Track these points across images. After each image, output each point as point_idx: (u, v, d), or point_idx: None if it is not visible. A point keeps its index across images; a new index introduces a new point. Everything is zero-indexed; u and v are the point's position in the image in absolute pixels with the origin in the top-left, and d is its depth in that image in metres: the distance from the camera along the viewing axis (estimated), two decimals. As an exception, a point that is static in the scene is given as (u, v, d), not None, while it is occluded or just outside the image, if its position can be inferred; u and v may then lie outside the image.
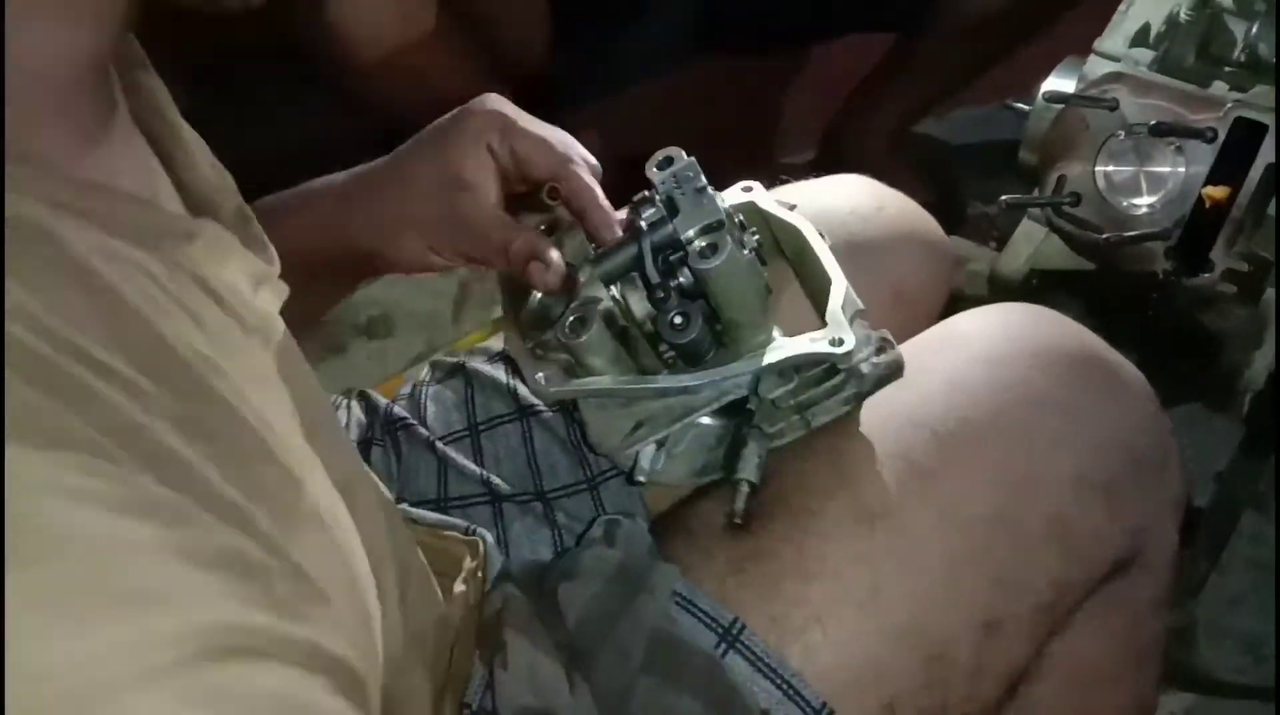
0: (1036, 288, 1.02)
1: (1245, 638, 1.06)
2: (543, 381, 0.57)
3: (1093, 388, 0.62)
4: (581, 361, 0.56)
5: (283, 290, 0.42)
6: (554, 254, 0.58)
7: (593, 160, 0.61)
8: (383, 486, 0.55)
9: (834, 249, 0.61)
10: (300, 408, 0.39)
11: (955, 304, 0.97)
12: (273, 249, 0.44)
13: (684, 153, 0.59)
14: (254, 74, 1.08)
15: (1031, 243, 1.03)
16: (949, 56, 1.29)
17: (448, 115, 0.63)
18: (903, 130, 1.39)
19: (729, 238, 0.54)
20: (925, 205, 0.86)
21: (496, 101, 0.62)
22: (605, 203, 0.60)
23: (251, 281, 0.39)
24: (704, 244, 0.54)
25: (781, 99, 1.52)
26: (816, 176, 0.83)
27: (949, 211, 1.38)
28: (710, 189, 0.57)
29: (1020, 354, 0.62)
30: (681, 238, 0.56)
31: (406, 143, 0.63)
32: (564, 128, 0.63)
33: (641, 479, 0.58)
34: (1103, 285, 0.98)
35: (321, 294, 0.69)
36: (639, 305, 0.59)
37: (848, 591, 0.55)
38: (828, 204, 0.77)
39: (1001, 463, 0.58)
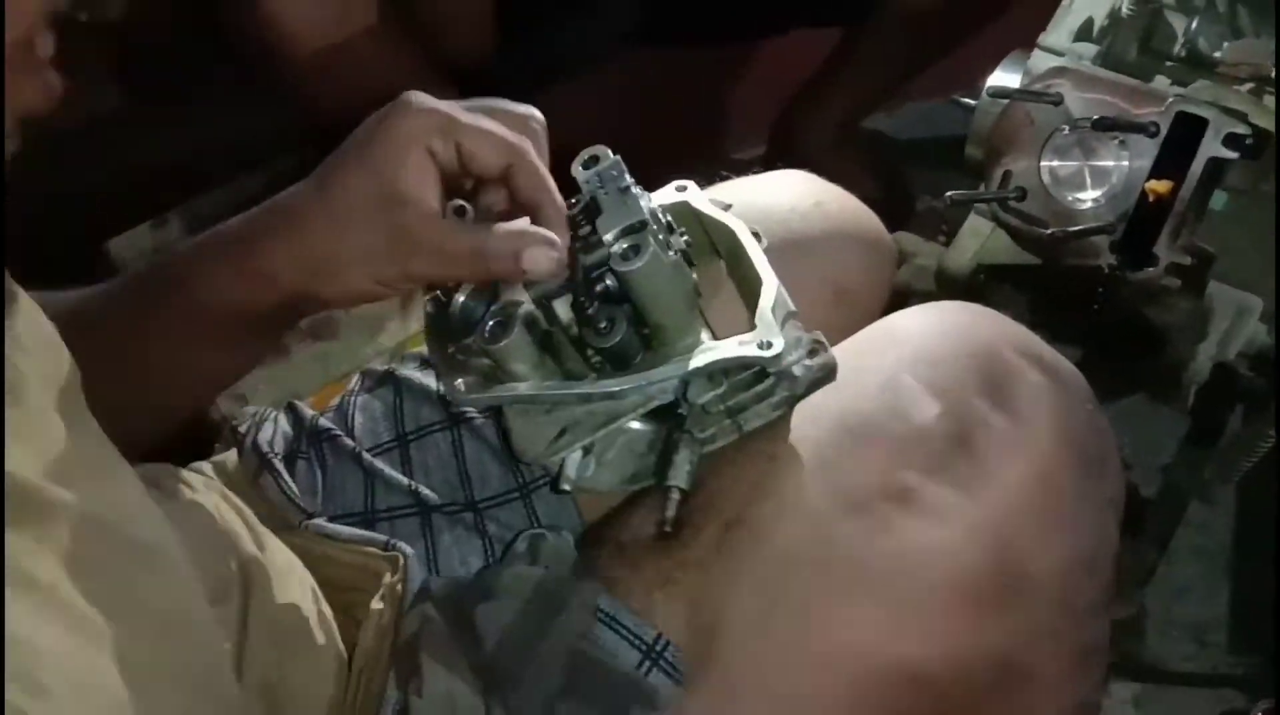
0: (984, 283, 1.01)
1: (1192, 626, 1.07)
2: (460, 388, 0.55)
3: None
4: (503, 367, 0.55)
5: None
6: (545, 231, 0.54)
7: (542, 138, 0.57)
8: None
9: (773, 247, 0.60)
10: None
11: (903, 299, 0.97)
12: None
13: (610, 152, 0.58)
14: (186, 74, 1.06)
15: (979, 238, 1.03)
16: (894, 49, 1.29)
17: (367, 124, 0.57)
18: (850, 125, 1.38)
19: (651, 239, 0.53)
20: (872, 201, 0.85)
21: (423, 99, 0.57)
22: (560, 200, 0.57)
23: None
24: (625, 246, 0.53)
25: (729, 94, 1.52)
26: (758, 173, 0.82)
27: (896, 207, 1.38)
28: (635, 189, 0.56)
29: (957, 354, 0.61)
30: (602, 239, 0.54)
31: (327, 160, 0.57)
32: None
33: (567, 487, 0.56)
34: (1049, 280, 0.97)
35: (254, 346, 0.64)
36: (563, 308, 0.57)
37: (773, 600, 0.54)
38: (767, 202, 0.76)
39: None
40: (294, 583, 0.58)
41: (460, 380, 0.56)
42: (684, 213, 0.63)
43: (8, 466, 0.36)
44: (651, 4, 1.24)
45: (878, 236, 0.80)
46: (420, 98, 0.57)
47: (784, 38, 1.37)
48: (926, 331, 0.63)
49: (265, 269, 0.56)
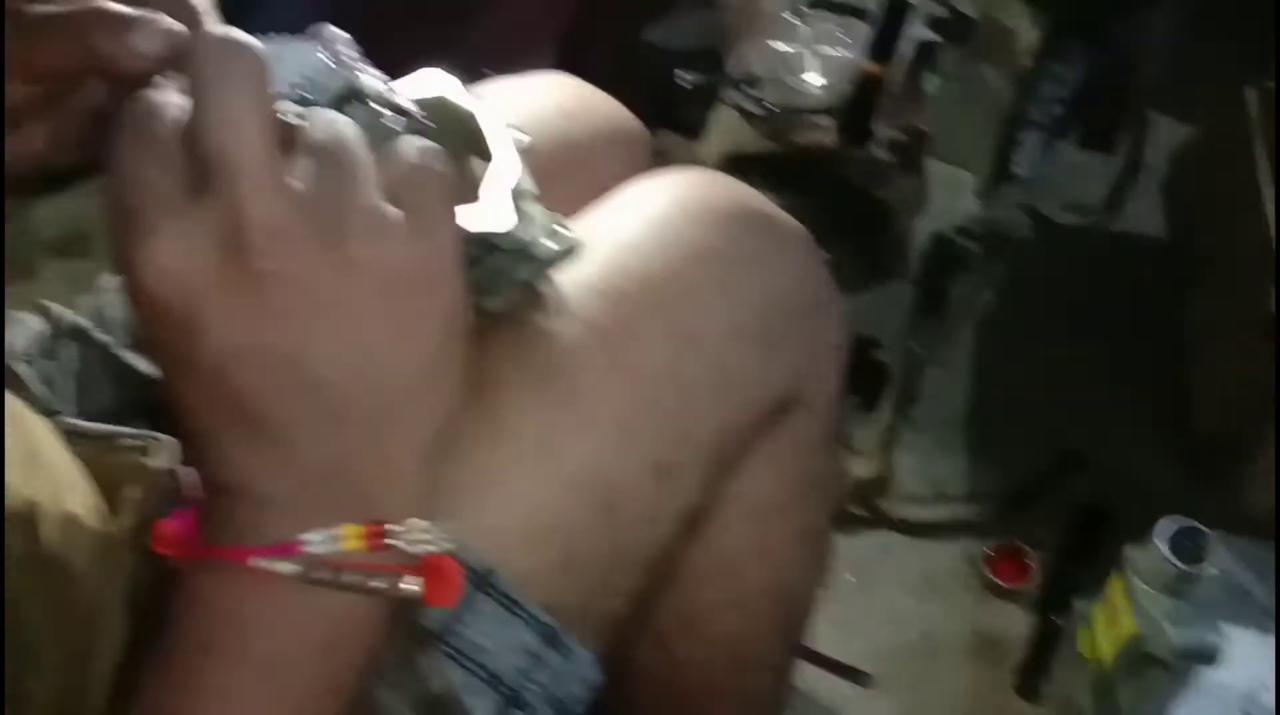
0: (729, 172, 1.07)
1: (932, 480, 1.18)
2: None
3: (754, 241, 0.66)
4: None
5: None
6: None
7: None
8: None
9: (540, 148, 0.59)
10: None
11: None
12: None
13: (332, 26, 0.56)
14: None
15: (727, 130, 1.09)
16: None
17: None
18: (626, 45, 1.41)
19: (366, 108, 0.51)
20: (637, 104, 0.88)
21: None
22: None
23: None
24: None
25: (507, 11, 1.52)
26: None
27: (660, 109, 1.43)
28: (353, 60, 0.50)
29: (685, 213, 0.65)
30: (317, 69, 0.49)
31: None
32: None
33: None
34: (788, 164, 1.04)
35: None
36: None
37: (525, 449, 0.57)
38: (535, 104, 0.76)
39: (666, 317, 0.61)
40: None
41: None
42: (436, 105, 0.61)
43: None
44: None
45: (639, 136, 0.82)
46: None
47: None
48: (656, 195, 0.66)
49: None
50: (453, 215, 0.39)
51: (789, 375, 0.66)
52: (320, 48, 0.51)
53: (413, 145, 0.39)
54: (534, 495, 0.58)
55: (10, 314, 0.71)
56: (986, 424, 1.21)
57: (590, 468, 0.59)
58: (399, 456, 0.40)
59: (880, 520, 1.14)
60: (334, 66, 0.50)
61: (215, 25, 0.37)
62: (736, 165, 1.07)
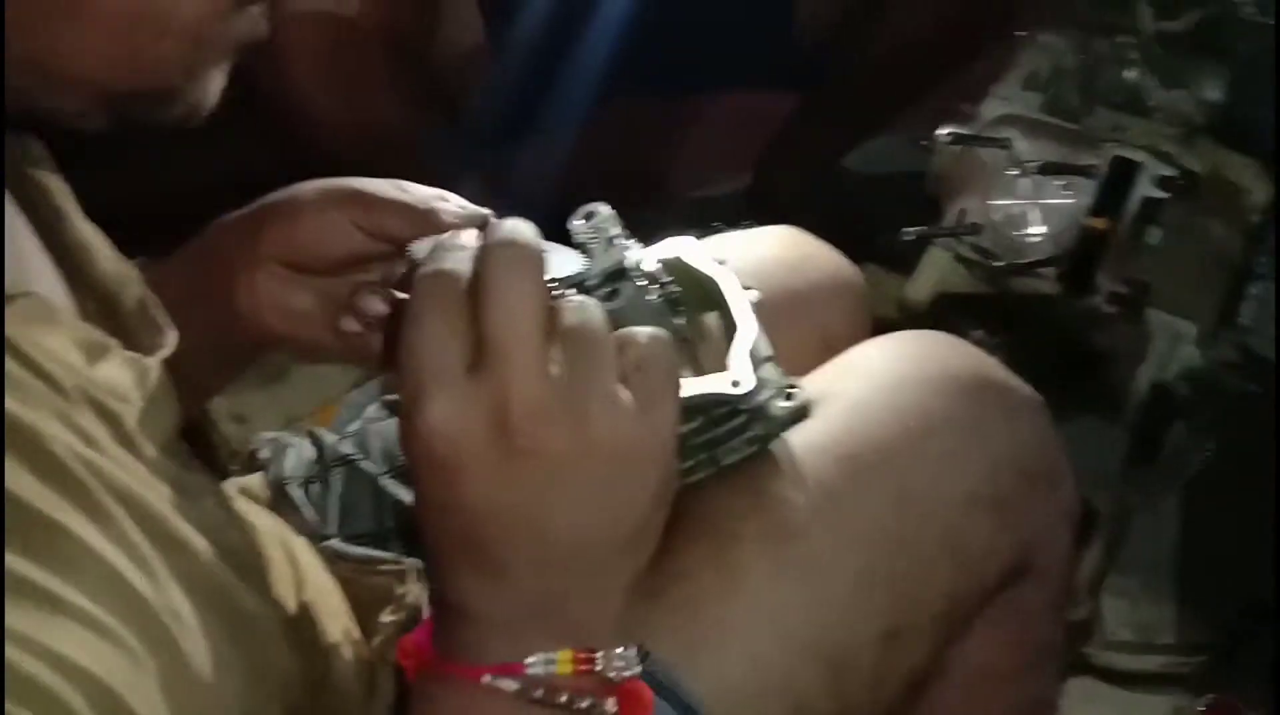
0: (941, 311, 1.09)
1: (1140, 629, 1.14)
2: None
3: (987, 408, 0.67)
4: None
5: (146, 369, 0.42)
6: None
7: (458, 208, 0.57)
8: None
9: (765, 300, 0.62)
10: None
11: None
12: (170, 334, 0.46)
13: (606, 207, 0.63)
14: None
15: (937, 269, 1.10)
16: (857, 107, 1.36)
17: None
18: (818, 174, 1.45)
19: (632, 283, 0.57)
20: (839, 238, 0.91)
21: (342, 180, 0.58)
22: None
23: (84, 351, 0.40)
24: (607, 289, 0.57)
25: (698, 139, 1.58)
26: (749, 225, 0.86)
27: (859, 241, 1.45)
28: (621, 239, 0.60)
29: (918, 379, 0.66)
30: (586, 282, 0.58)
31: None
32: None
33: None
34: (1003, 308, 1.05)
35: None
36: None
37: (760, 609, 0.59)
38: (760, 256, 0.80)
39: (899, 483, 0.63)
40: (329, 590, 0.63)
41: None
42: (678, 267, 0.65)
43: None
44: (628, 55, 1.30)
45: (858, 286, 0.85)
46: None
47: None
48: (889, 359, 0.68)
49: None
50: (674, 399, 0.43)
51: (1021, 543, 0.67)
52: (578, 253, 0.58)
53: (645, 333, 0.43)
54: (766, 655, 0.59)
55: (284, 438, 0.78)
56: (1199, 572, 1.17)
57: (821, 631, 0.60)
58: (605, 595, 0.44)
59: (1085, 666, 1.11)
60: (589, 264, 0.57)
61: (506, 222, 0.43)
62: (949, 305, 1.09)
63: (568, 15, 1.24)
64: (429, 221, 0.55)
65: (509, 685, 0.42)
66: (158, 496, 0.41)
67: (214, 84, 0.42)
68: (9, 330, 0.37)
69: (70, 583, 0.34)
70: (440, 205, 0.56)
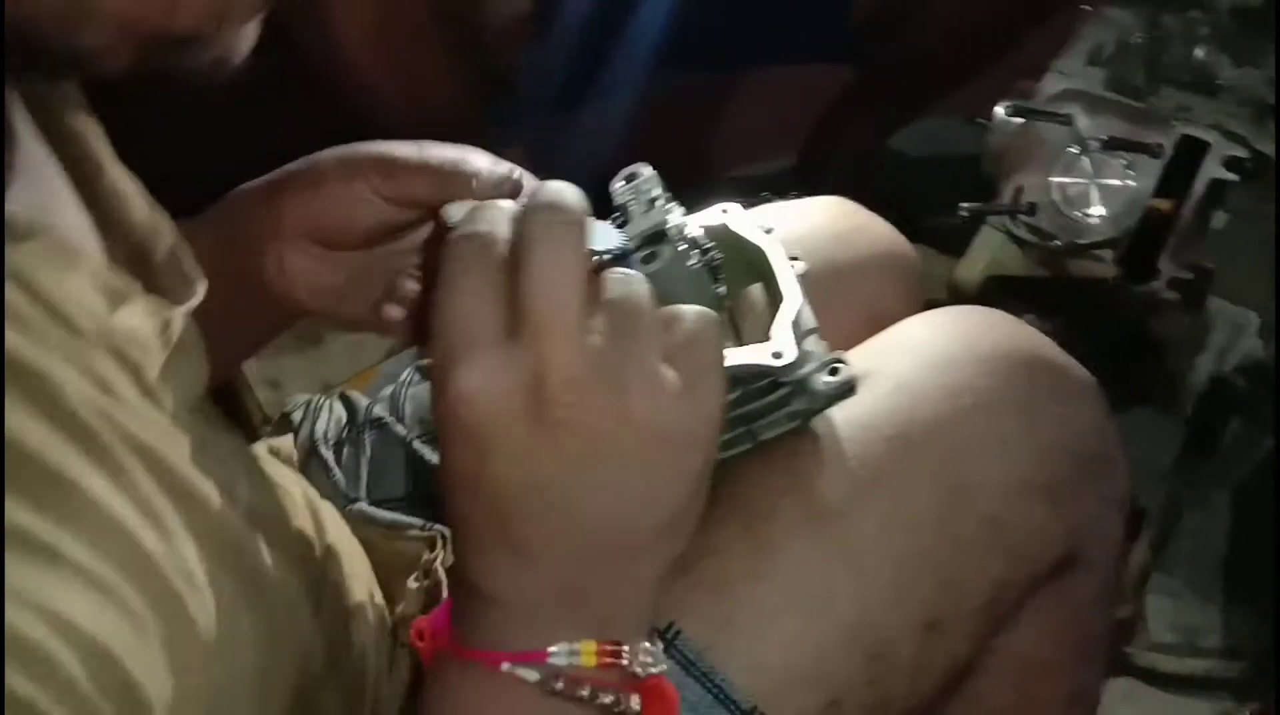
0: (993, 293, 1.06)
1: (1185, 629, 1.10)
2: None
3: (1041, 390, 0.64)
4: None
5: (169, 319, 0.41)
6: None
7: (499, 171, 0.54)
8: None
9: (813, 272, 0.61)
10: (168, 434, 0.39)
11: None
12: (198, 286, 0.44)
13: (649, 168, 0.60)
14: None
15: (990, 250, 1.07)
16: (910, 85, 1.34)
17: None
18: (870, 152, 1.43)
19: (671, 247, 0.54)
20: (887, 218, 0.88)
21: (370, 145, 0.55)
22: None
23: (105, 296, 0.38)
24: (646, 252, 0.55)
25: (749, 114, 1.56)
26: (798, 196, 0.84)
27: (909, 220, 1.42)
28: (662, 201, 0.57)
29: (970, 358, 0.63)
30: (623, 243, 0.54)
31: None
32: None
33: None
34: (1057, 291, 1.02)
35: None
36: None
37: (796, 591, 0.57)
38: (809, 227, 0.77)
39: (946, 466, 0.60)
40: (354, 555, 0.62)
41: None
42: (723, 234, 0.63)
43: None
44: (677, 29, 1.28)
45: (910, 262, 0.82)
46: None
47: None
48: (940, 336, 0.66)
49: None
50: (719, 382, 0.41)
51: (1072, 531, 0.64)
52: (616, 226, 0.55)
53: (693, 311, 0.41)
54: (804, 639, 0.57)
55: (317, 399, 0.77)
56: (1248, 574, 1.14)
57: (861, 617, 0.58)
58: (635, 586, 0.42)
59: (1126, 666, 1.08)
60: (628, 241, 0.53)
61: (550, 184, 0.41)
62: (1000, 288, 1.06)
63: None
64: (454, 182, 0.52)
65: (529, 675, 0.40)
66: (177, 451, 0.39)
67: (245, 36, 0.40)
68: (22, 266, 0.35)
69: (70, 534, 0.32)
70: (465, 166, 0.53)
